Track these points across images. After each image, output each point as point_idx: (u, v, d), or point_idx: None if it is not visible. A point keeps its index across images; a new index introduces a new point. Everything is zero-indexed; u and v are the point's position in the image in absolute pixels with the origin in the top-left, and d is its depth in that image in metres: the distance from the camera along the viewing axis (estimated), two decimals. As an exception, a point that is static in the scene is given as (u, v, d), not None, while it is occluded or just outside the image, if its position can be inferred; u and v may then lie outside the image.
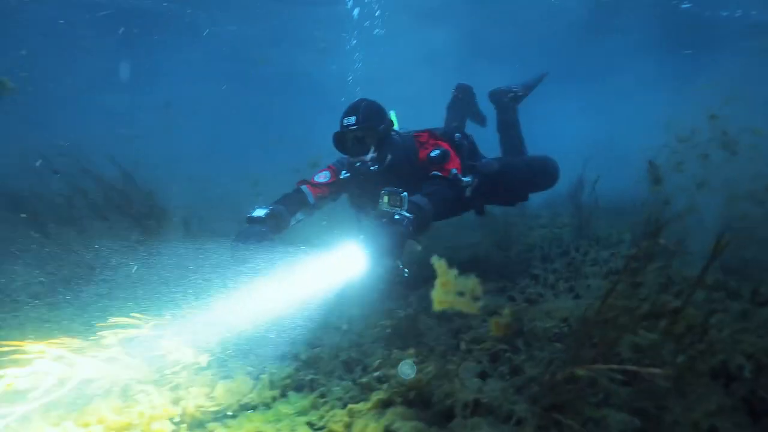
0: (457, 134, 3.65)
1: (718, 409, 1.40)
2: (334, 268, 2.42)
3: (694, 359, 1.53)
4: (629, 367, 1.39)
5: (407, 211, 2.57)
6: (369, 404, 1.71)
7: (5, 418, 1.49)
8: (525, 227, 5.36)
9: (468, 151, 3.61)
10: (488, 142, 4.24)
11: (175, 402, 1.82)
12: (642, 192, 3.66)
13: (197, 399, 1.85)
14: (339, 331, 2.57)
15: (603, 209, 5.24)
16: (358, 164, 3.15)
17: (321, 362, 2.18)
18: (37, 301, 3.15)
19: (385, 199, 2.62)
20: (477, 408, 1.56)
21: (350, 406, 1.75)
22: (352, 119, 3.08)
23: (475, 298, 1.48)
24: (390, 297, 3.08)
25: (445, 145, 3.33)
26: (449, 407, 1.55)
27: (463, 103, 4.74)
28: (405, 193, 2.59)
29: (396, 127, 3.50)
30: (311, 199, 3.31)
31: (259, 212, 2.96)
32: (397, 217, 2.53)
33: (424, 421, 1.51)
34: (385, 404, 1.68)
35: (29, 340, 1.69)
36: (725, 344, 1.63)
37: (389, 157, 3.19)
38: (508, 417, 1.49)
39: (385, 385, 1.80)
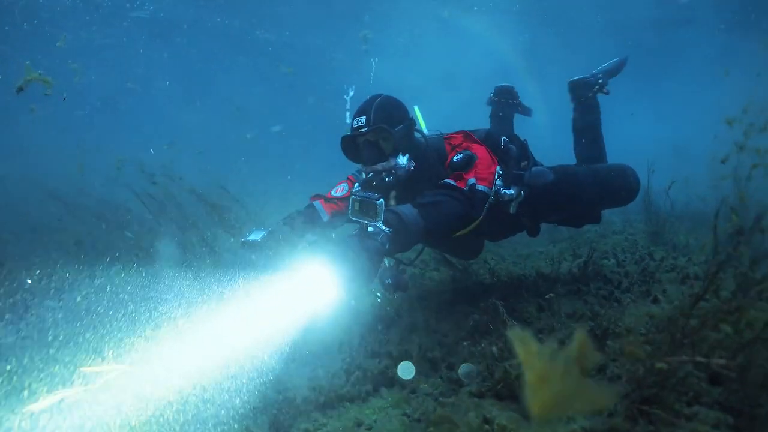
0: (504, 137, 2.98)
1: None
2: (295, 297, 1.97)
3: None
4: (699, 359, 1.45)
5: (384, 224, 2.10)
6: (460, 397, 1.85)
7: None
8: (597, 234, 5.30)
9: (517, 159, 2.96)
10: (558, 148, 4.07)
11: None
12: (718, 196, 3.53)
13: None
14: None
15: (679, 215, 5.11)
16: (370, 175, 2.57)
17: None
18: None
19: (356, 206, 2.19)
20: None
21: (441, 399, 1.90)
22: (362, 119, 2.54)
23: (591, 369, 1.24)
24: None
25: (481, 149, 2.73)
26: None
27: (507, 107, 4.17)
28: (381, 200, 2.11)
29: (423, 127, 2.99)
30: (325, 216, 2.84)
31: (256, 236, 2.51)
32: (371, 230, 2.08)
33: (517, 412, 1.63)
34: (476, 397, 1.81)
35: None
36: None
37: (411, 164, 2.61)
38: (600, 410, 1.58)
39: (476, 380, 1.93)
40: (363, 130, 2.52)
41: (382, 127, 2.50)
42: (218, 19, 14.56)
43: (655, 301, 2.82)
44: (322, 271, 1.89)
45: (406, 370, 2.25)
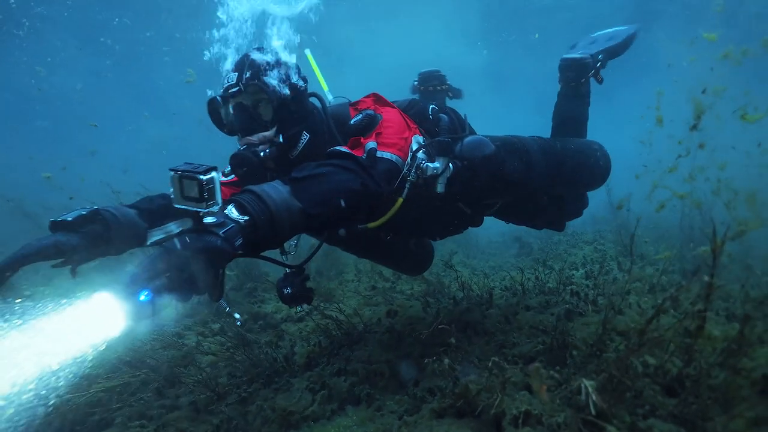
0: (433, 105, 2.51)
1: (761, 419, 1.46)
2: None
3: (736, 371, 1.60)
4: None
5: (237, 208, 1.45)
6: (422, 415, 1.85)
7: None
8: (568, 245, 5.37)
9: (449, 131, 2.42)
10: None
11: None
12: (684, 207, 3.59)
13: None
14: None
15: (647, 224, 5.22)
16: (243, 148, 1.98)
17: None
18: None
19: (177, 186, 1.35)
20: (527, 418, 1.66)
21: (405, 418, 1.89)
22: (234, 77, 1.97)
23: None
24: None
25: (391, 112, 2.19)
26: (498, 417, 1.67)
27: (436, 94, 3.53)
28: (212, 175, 1.31)
29: (325, 90, 2.53)
30: None
31: (71, 215, 1.64)
32: (208, 220, 1.36)
33: (475, 430, 1.63)
34: (438, 414, 1.81)
35: None
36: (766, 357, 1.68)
37: (303, 137, 2.07)
38: (557, 427, 1.59)
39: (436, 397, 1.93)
40: (234, 90, 1.96)
41: (257, 86, 1.94)
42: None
43: (620, 312, 2.86)
44: (107, 300, 1.20)
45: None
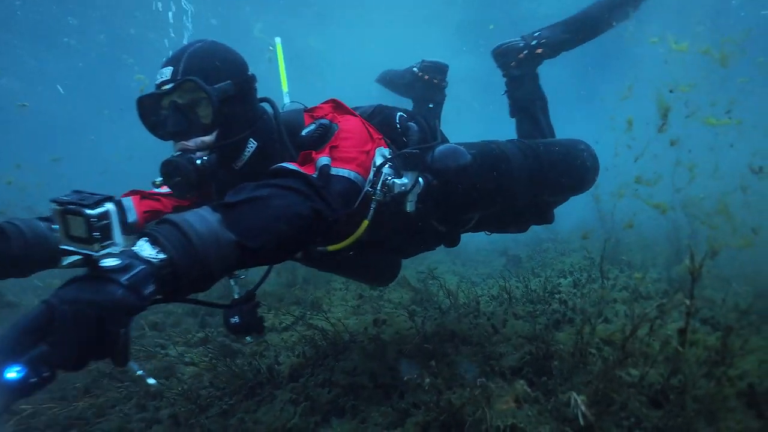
0: (401, 113, 2.23)
1: (745, 430, 1.46)
2: None
3: (721, 382, 1.59)
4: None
5: (151, 243, 1.12)
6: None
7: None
8: (556, 252, 5.38)
9: (419, 140, 2.16)
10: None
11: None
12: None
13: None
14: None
15: (636, 233, 5.25)
16: (177, 155, 1.67)
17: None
18: None
19: (62, 223, 1.02)
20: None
21: None
22: (168, 71, 1.66)
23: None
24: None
25: (352, 121, 1.88)
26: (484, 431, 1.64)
27: (434, 90, 3.22)
28: (105, 208, 1.01)
29: (285, 91, 2.27)
30: (131, 216, 1.93)
31: None
32: (106, 263, 1.00)
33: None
34: (422, 428, 1.78)
35: None
36: (753, 368, 1.68)
37: (249, 145, 1.80)
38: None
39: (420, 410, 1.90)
40: (167, 87, 1.65)
41: (192, 82, 1.62)
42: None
43: (606, 321, 2.86)
44: None
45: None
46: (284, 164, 1.56)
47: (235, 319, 1.91)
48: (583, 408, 1.47)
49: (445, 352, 2.42)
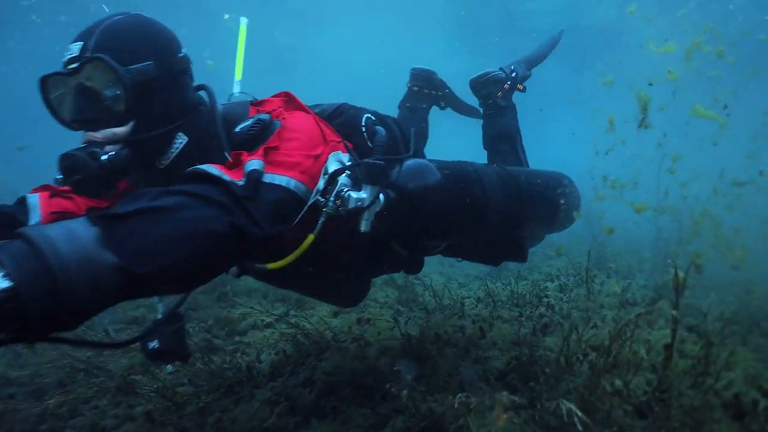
0: (368, 114, 1.97)
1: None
2: None
3: (706, 393, 1.57)
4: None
5: None
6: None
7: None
8: (544, 256, 5.39)
9: (387, 149, 1.88)
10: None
11: None
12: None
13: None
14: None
15: (621, 238, 5.27)
16: (77, 148, 1.40)
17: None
18: None
19: None
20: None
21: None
22: (77, 47, 1.37)
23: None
24: None
25: (302, 118, 1.62)
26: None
27: (422, 99, 3.08)
28: None
29: (237, 79, 1.97)
30: (35, 216, 1.59)
31: None
32: None
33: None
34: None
35: None
36: (739, 378, 1.66)
37: (177, 140, 1.52)
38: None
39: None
40: (73, 65, 1.35)
41: (101, 60, 1.32)
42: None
43: (594, 327, 2.84)
44: None
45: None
46: (203, 166, 1.28)
47: (154, 344, 1.62)
48: (579, 413, 1.44)
49: (430, 355, 2.38)
